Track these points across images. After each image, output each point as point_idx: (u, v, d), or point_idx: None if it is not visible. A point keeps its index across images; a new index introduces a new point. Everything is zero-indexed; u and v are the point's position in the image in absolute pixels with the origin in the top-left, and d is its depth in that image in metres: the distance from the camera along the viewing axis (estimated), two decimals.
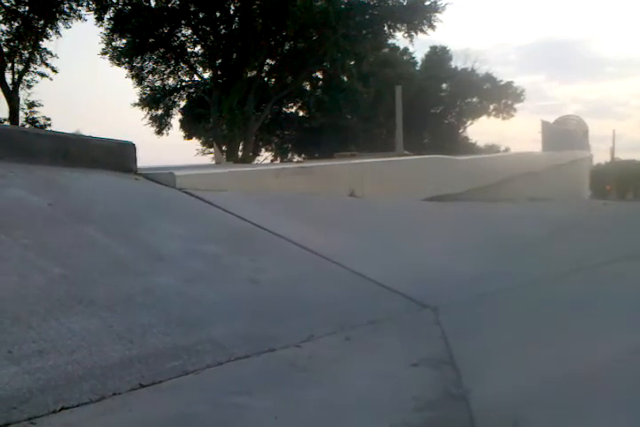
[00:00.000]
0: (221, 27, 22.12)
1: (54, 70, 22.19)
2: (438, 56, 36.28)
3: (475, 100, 36.99)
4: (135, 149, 4.63)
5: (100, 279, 2.71)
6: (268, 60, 23.80)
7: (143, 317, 2.48)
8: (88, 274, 2.72)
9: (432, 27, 21.69)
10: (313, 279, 3.61)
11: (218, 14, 21.34)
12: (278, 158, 30.85)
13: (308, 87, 27.72)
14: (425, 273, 4.19)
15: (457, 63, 37.06)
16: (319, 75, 26.98)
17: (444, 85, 36.51)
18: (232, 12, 21.52)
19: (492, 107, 37.01)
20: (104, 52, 23.05)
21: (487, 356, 2.43)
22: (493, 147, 38.55)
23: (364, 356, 2.54)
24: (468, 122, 37.90)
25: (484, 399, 1.91)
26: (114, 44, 22.91)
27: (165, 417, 1.84)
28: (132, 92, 25.37)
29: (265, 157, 30.50)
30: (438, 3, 20.64)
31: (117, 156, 4.43)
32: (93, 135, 4.80)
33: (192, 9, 21.01)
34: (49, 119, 22.04)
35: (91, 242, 3.06)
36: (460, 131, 37.97)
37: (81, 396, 1.87)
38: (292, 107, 29.56)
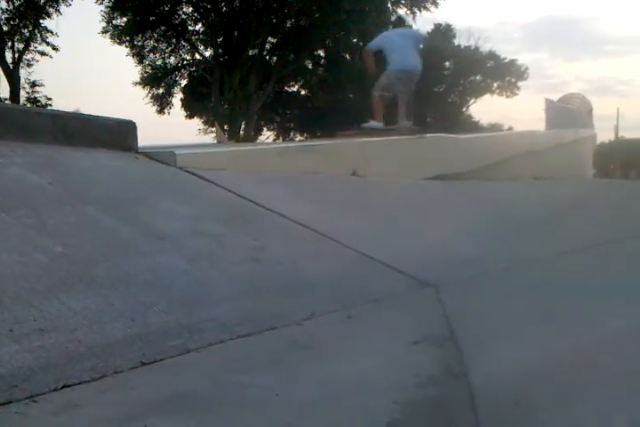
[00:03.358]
0: (222, 4, 21.84)
1: (55, 48, 22.04)
2: (442, 34, 35.81)
3: (478, 78, 36.66)
4: (135, 127, 4.58)
5: (102, 258, 2.70)
6: (269, 38, 23.55)
7: (145, 295, 2.48)
8: (89, 253, 2.71)
9: (435, 4, 21.44)
10: (315, 258, 3.61)
11: None
12: (280, 137, 30.72)
13: (310, 66, 27.45)
14: (427, 252, 4.18)
15: (460, 41, 36.63)
16: (322, 53, 26.70)
17: (447, 63, 36.13)
18: None
19: (495, 85, 36.68)
20: (104, 31, 22.85)
21: (489, 334, 2.43)
22: (497, 125, 38.32)
23: (366, 334, 2.54)
24: (472, 100, 37.61)
25: (486, 377, 1.91)
26: (114, 22, 22.70)
27: (167, 395, 1.84)
28: (133, 70, 25.23)
29: (267, 136, 30.38)
30: None
31: (117, 134, 4.38)
32: (93, 114, 4.76)
33: None
34: (50, 99, 21.94)
35: (91, 221, 3.05)
36: (464, 109, 37.69)
37: (82, 374, 1.87)
38: (294, 86, 29.34)
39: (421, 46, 7.13)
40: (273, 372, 2.06)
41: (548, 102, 21.32)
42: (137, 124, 4.64)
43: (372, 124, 7.25)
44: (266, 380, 1.97)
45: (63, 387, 1.80)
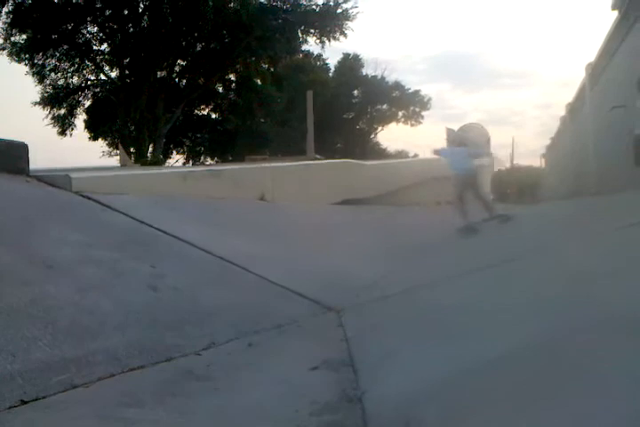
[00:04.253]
0: (130, 25, 21.40)
1: None
2: (350, 63, 36.96)
3: (385, 106, 37.98)
4: (27, 149, 4.34)
5: None
6: (179, 61, 23.29)
7: (28, 329, 2.32)
8: None
9: (343, 34, 22.12)
10: (216, 285, 3.54)
11: (126, 12, 20.59)
12: (190, 161, 30.19)
13: (220, 89, 27.34)
14: (331, 276, 4.22)
15: (368, 71, 37.94)
16: (232, 77, 26.70)
17: (355, 92, 37.24)
18: (141, 10, 20.85)
19: (400, 114, 38.12)
20: (2, 48, 21.68)
21: (386, 357, 2.47)
22: (403, 152, 39.66)
23: (266, 361, 2.51)
24: (379, 128, 38.85)
25: (379, 401, 1.93)
26: (13, 39, 21.60)
27: None
28: (33, 90, 23.94)
29: (177, 159, 29.75)
30: (349, 11, 21.11)
31: (6, 156, 4.14)
32: None
33: (98, 5, 20.17)
34: None
35: None
36: (372, 136, 38.85)
37: None
38: (204, 109, 29.06)
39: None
40: (165, 405, 1.97)
41: (449, 131, 22.46)
42: (29, 147, 4.41)
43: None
44: (157, 414, 1.89)
45: None
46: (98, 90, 24.65)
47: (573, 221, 5.84)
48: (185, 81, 23.94)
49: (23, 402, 1.91)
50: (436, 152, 8.16)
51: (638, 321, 1.88)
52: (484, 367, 1.93)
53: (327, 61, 36.58)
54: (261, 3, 20.51)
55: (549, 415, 1.44)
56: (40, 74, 23.26)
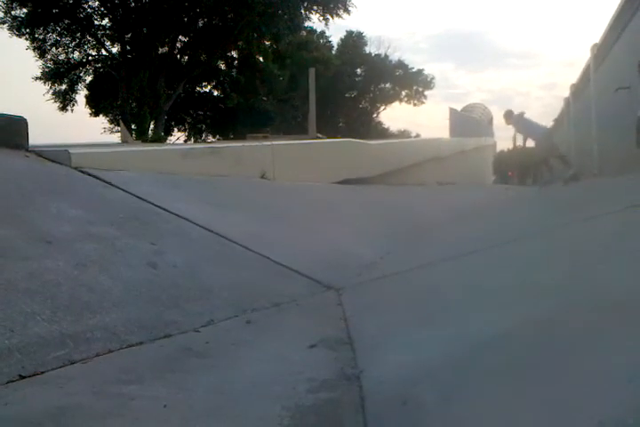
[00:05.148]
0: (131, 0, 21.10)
1: None
2: (354, 41, 36.52)
3: (388, 85, 37.66)
4: (26, 124, 4.29)
5: None
6: (180, 37, 23.01)
7: (26, 304, 2.31)
8: None
9: (347, 11, 21.83)
10: (217, 262, 3.53)
11: None
12: (192, 138, 30.06)
13: (222, 67, 27.08)
14: (332, 255, 4.22)
15: (371, 49, 37.50)
16: (234, 54, 26.42)
17: (358, 70, 36.89)
18: None
19: (403, 93, 37.80)
20: (2, 22, 21.41)
21: (384, 336, 2.47)
22: (405, 132, 39.49)
23: (264, 339, 2.51)
24: (382, 107, 38.58)
25: (377, 379, 1.93)
26: (13, 13, 21.31)
27: (44, 410, 1.72)
28: (34, 65, 23.67)
29: (178, 136, 29.60)
30: None
31: (5, 131, 4.09)
32: None
33: None
34: None
35: None
36: (374, 115, 38.60)
37: None
38: (206, 86, 28.82)
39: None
40: (163, 382, 1.97)
41: (452, 111, 22.35)
42: (29, 122, 4.36)
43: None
44: (155, 390, 1.89)
45: None
46: (99, 65, 24.41)
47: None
48: (187, 57, 23.68)
49: (22, 377, 1.91)
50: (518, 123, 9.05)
51: None
52: (483, 347, 1.92)
53: (330, 39, 36.15)
54: None
55: (548, 394, 1.43)
56: (41, 49, 23.01)
